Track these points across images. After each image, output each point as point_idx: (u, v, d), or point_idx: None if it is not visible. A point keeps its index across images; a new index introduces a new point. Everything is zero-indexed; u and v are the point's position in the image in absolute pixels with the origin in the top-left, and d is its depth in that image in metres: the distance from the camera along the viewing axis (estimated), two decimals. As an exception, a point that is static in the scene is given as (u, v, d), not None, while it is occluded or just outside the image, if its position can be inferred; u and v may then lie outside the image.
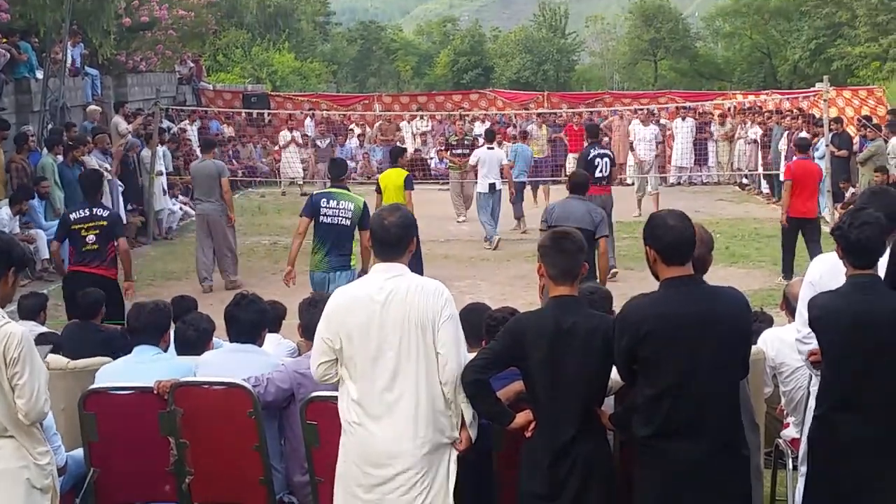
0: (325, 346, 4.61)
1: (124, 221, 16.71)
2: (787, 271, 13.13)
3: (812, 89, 23.94)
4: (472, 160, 17.67)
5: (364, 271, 9.47)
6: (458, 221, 18.87)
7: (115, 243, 9.77)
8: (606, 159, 14.13)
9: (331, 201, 9.89)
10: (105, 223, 9.79)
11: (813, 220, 13.43)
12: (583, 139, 24.04)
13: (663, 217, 4.46)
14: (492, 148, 17.60)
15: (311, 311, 5.67)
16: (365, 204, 9.96)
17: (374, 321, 4.50)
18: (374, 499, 4.51)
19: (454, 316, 4.57)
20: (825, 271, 5.14)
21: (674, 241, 4.38)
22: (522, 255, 15.41)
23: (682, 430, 4.29)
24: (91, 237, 9.72)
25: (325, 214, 9.84)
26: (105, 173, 15.82)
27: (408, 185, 12.72)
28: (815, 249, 12.20)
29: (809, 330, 4.83)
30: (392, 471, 4.48)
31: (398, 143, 25.91)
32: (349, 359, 4.55)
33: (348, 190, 10.28)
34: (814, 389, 5.09)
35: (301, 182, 24.14)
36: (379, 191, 13.05)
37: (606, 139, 22.27)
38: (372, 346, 4.50)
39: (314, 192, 10.54)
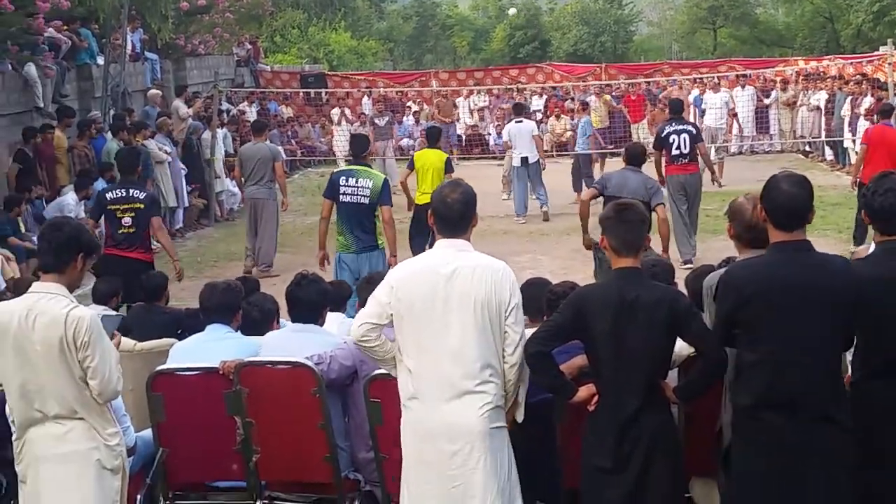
0: (378, 310, 4.59)
1: (186, 204, 16.98)
2: (860, 239, 12.33)
3: (876, 53, 23.48)
4: (504, 136, 17.39)
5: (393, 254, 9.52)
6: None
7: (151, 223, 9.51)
8: (685, 136, 12.94)
9: (349, 179, 9.63)
10: (142, 206, 9.50)
11: None
12: (642, 109, 23.97)
13: (779, 179, 4.38)
14: (520, 122, 17.15)
15: (370, 290, 5.65)
16: (385, 181, 9.71)
17: (438, 294, 4.48)
18: (439, 473, 4.48)
19: (521, 300, 4.56)
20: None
21: (784, 204, 4.29)
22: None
23: (782, 400, 4.18)
24: (127, 219, 9.45)
25: (344, 193, 9.59)
26: (165, 156, 16.06)
27: (448, 168, 12.60)
28: None
29: None
30: (454, 446, 4.45)
31: (455, 121, 25.90)
32: (409, 333, 4.52)
33: (370, 167, 10.15)
34: None
35: None
36: (412, 167, 12.97)
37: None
38: (435, 319, 4.48)
39: (334, 171, 10.31)
